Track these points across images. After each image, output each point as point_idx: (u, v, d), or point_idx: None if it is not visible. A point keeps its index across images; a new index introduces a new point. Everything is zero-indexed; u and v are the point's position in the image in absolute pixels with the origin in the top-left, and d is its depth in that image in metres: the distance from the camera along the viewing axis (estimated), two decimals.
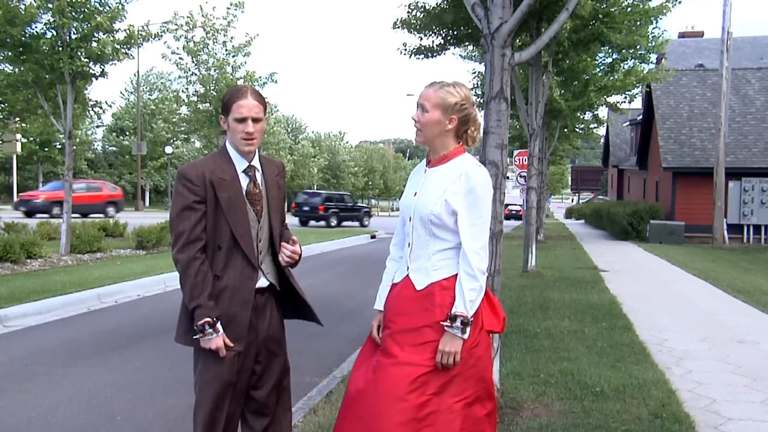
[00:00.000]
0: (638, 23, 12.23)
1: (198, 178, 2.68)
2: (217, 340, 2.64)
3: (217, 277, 2.71)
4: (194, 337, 2.66)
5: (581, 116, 21.38)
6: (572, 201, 77.63)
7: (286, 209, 3.02)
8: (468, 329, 2.57)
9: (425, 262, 2.70)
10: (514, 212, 47.94)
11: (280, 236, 2.90)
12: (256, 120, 2.72)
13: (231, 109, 2.72)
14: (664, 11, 12.32)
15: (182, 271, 2.67)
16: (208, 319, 2.62)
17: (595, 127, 24.92)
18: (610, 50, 15.14)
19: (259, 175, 2.83)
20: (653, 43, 13.95)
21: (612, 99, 18.93)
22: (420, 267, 2.71)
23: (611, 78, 16.48)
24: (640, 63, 16.43)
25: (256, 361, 2.81)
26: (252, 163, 2.81)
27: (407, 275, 2.75)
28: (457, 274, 2.67)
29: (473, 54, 19.92)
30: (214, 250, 2.72)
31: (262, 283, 2.79)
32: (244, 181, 2.78)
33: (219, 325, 2.64)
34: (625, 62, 16.40)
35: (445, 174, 2.71)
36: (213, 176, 2.70)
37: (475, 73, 21.41)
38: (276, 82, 18.88)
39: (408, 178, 2.94)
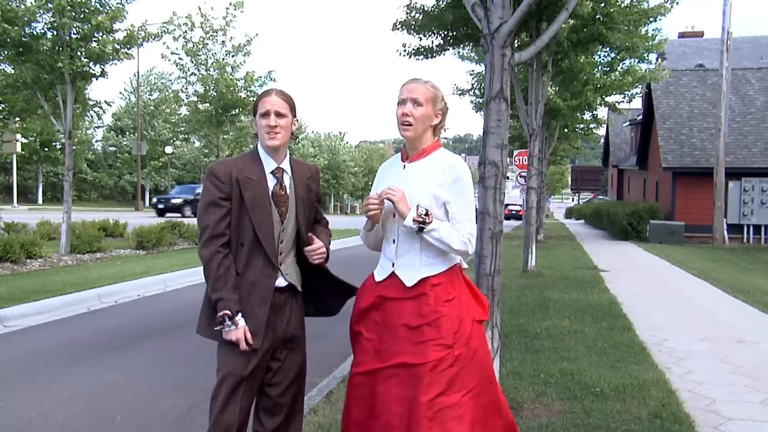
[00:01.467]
0: (637, 24, 12.23)
1: (225, 176, 2.76)
2: (237, 332, 2.69)
3: (238, 273, 2.77)
4: (215, 328, 2.73)
5: (580, 116, 21.39)
6: (573, 201, 77.61)
7: (321, 210, 3.08)
8: (411, 222, 2.62)
9: (413, 258, 2.72)
10: (514, 212, 47.93)
11: (313, 232, 2.96)
12: (279, 115, 2.80)
13: (257, 107, 2.84)
14: (663, 11, 12.32)
15: (205, 265, 2.75)
16: (227, 312, 2.68)
17: (594, 128, 24.92)
18: (608, 50, 15.14)
19: (287, 178, 2.87)
20: (650, 43, 13.94)
21: (611, 99, 18.94)
22: (407, 263, 2.73)
23: (609, 78, 16.50)
24: (638, 62, 16.45)
25: (273, 358, 2.86)
26: (281, 165, 2.86)
27: (393, 272, 2.75)
28: (445, 270, 2.73)
29: (470, 55, 19.94)
30: (237, 247, 2.79)
31: (281, 282, 2.84)
32: (271, 182, 2.83)
33: (239, 318, 2.70)
34: (624, 61, 16.42)
35: (427, 167, 2.75)
36: (240, 175, 2.78)
37: (473, 73, 21.39)
38: (275, 80, 18.89)
39: (378, 175, 2.93)
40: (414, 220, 2.63)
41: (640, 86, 17.95)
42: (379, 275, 2.81)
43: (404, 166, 2.81)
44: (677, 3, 12.36)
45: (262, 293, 2.77)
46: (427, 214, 2.64)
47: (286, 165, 2.89)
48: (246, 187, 2.77)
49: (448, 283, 2.73)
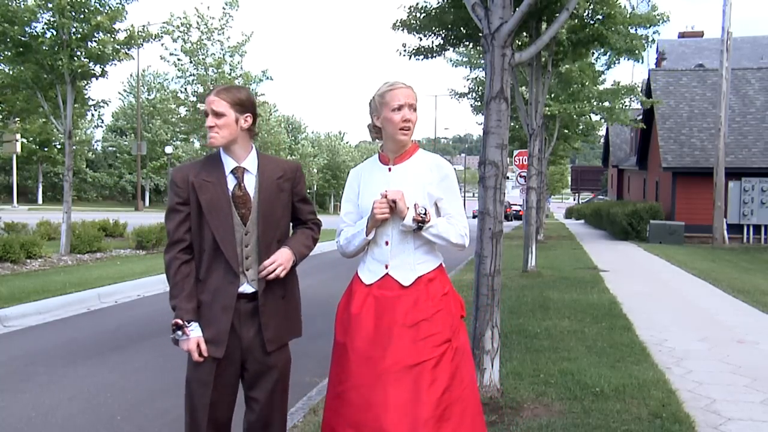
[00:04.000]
0: (636, 26, 12.26)
1: (182, 181, 2.70)
2: (189, 342, 2.62)
3: (200, 280, 2.70)
4: (170, 336, 2.67)
5: (576, 119, 21.47)
6: (574, 200, 77.57)
7: (308, 210, 2.91)
8: (411, 222, 2.69)
9: (408, 258, 2.75)
10: (514, 212, 47.91)
11: (293, 235, 2.87)
12: (216, 114, 2.69)
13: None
14: (663, 18, 12.34)
15: (166, 269, 2.71)
16: (177, 320, 2.61)
17: (592, 129, 24.96)
18: (606, 49, 15.19)
19: (250, 177, 2.74)
20: (647, 41, 13.96)
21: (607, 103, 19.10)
22: (402, 263, 2.75)
23: (598, 88, 16.74)
24: (633, 60, 16.58)
25: (243, 368, 2.75)
26: (242, 164, 2.74)
27: (386, 274, 2.75)
28: (438, 266, 2.81)
29: (463, 60, 20.09)
30: (200, 253, 2.71)
31: (247, 289, 2.71)
32: (231, 183, 2.72)
33: (191, 329, 2.62)
34: (621, 58, 16.54)
35: (414, 168, 2.81)
36: (197, 179, 2.69)
37: (468, 78, 21.44)
38: (271, 78, 18.88)
39: (354, 180, 2.92)
40: (414, 219, 2.68)
41: (634, 98, 18.21)
42: (369, 278, 2.79)
43: (389, 168, 2.84)
44: (667, 20, 12.51)
45: (224, 300, 2.67)
46: (425, 213, 2.69)
47: (249, 164, 2.75)
48: (202, 191, 2.67)
49: (441, 277, 2.80)
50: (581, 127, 23.48)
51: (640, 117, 26.90)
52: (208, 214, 2.67)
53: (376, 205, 2.70)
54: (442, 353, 2.62)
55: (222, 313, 2.66)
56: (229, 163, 2.74)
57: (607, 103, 18.75)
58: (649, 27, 12.57)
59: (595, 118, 22.22)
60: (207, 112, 2.72)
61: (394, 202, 2.68)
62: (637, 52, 13.03)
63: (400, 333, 2.64)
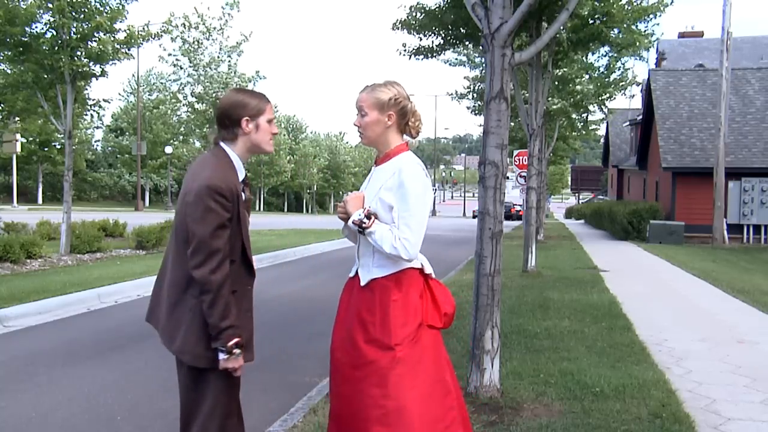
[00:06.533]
0: (635, 20, 12.23)
1: (231, 193, 2.59)
2: (240, 360, 2.64)
3: (234, 291, 2.66)
4: (223, 357, 2.59)
5: (575, 117, 21.48)
6: (575, 200, 77.52)
7: None
8: (352, 225, 2.71)
9: (368, 259, 2.81)
10: (516, 212, 47.84)
11: None
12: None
13: (263, 111, 2.72)
14: (661, 7, 12.31)
15: (216, 290, 2.54)
16: (239, 339, 2.59)
17: (592, 128, 24.96)
18: (607, 49, 15.19)
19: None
20: (650, 39, 13.94)
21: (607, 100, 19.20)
22: (365, 263, 2.83)
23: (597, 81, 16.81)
24: (634, 58, 16.65)
25: None
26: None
27: (356, 272, 2.88)
28: (395, 273, 2.74)
29: (461, 59, 20.15)
30: (230, 264, 2.67)
31: None
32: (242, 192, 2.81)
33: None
34: (620, 59, 16.59)
35: (384, 171, 2.83)
36: (237, 189, 2.64)
37: (468, 78, 21.48)
38: (264, 77, 18.87)
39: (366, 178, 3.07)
40: (353, 222, 2.72)
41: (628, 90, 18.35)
42: (351, 273, 2.93)
43: (372, 169, 2.92)
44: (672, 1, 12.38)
45: (248, 304, 2.76)
46: (368, 217, 2.70)
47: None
48: (241, 201, 2.67)
49: (393, 285, 2.74)
50: (580, 125, 23.47)
51: (640, 117, 26.92)
52: (242, 223, 2.68)
53: (338, 206, 2.83)
54: (380, 358, 2.67)
55: (248, 320, 2.75)
56: (242, 172, 2.74)
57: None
58: (650, 19, 12.51)
59: (592, 117, 22.31)
60: (272, 120, 2.80)
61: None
62: (638, 45, 12.98)
63: (356, 330, 2.75)
